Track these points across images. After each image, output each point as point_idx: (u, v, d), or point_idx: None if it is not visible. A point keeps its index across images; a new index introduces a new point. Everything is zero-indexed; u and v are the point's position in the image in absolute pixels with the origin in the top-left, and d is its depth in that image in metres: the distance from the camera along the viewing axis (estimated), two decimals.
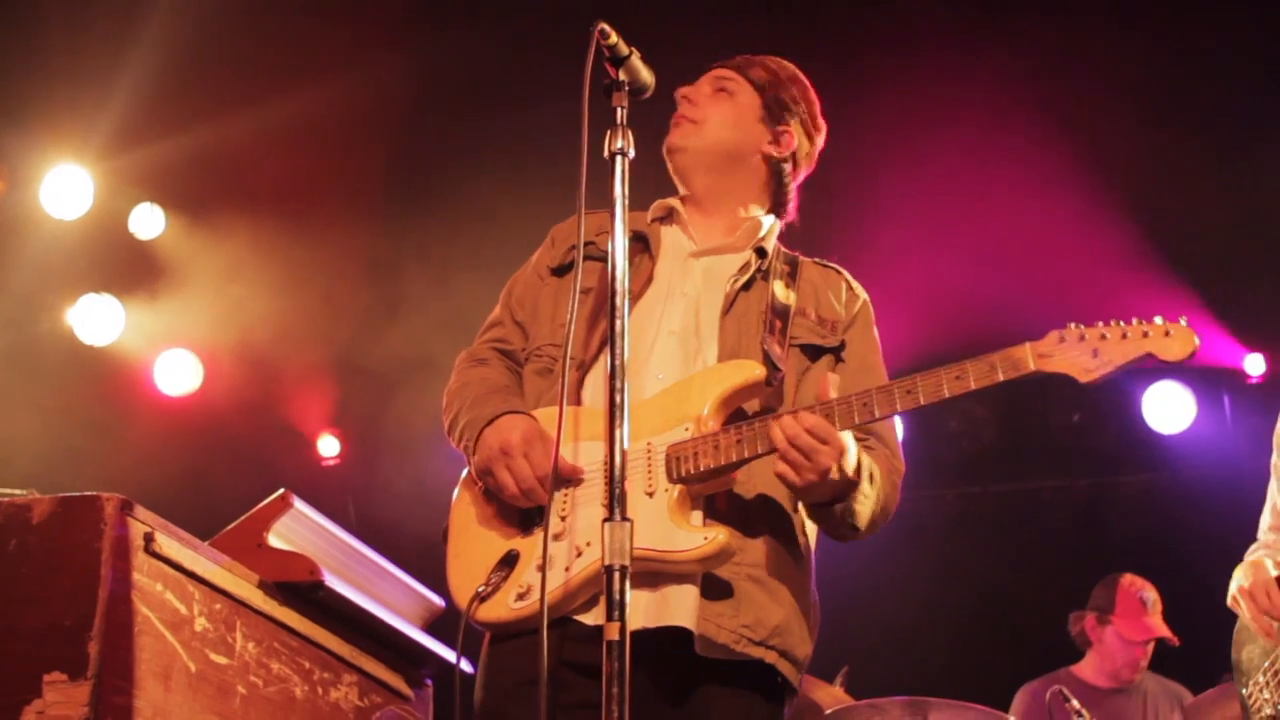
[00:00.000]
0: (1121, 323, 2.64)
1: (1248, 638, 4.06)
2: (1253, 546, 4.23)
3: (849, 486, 2.71)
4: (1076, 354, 2.63)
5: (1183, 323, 2.61)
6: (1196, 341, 2.60)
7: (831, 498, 2.73)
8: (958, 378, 2.66)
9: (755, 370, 2.83)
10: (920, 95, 6.57)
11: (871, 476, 2.76)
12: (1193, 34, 6.27)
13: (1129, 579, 6.08)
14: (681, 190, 3.22)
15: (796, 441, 2.63)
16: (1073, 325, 2.66)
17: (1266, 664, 3.94)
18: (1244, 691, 4.00)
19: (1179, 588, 6.03)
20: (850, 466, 2.70)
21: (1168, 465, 7.63)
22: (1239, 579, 4.02)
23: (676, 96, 3.22)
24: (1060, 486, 7.96)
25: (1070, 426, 7.85)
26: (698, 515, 2.77)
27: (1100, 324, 2.65)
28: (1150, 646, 5.96)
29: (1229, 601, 4.08)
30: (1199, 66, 6.32)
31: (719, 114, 3.15)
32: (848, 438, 2.69)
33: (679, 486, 2.73)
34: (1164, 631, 5.91)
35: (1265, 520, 4.26)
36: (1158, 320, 2.62)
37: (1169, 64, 6.37)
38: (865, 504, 2.76)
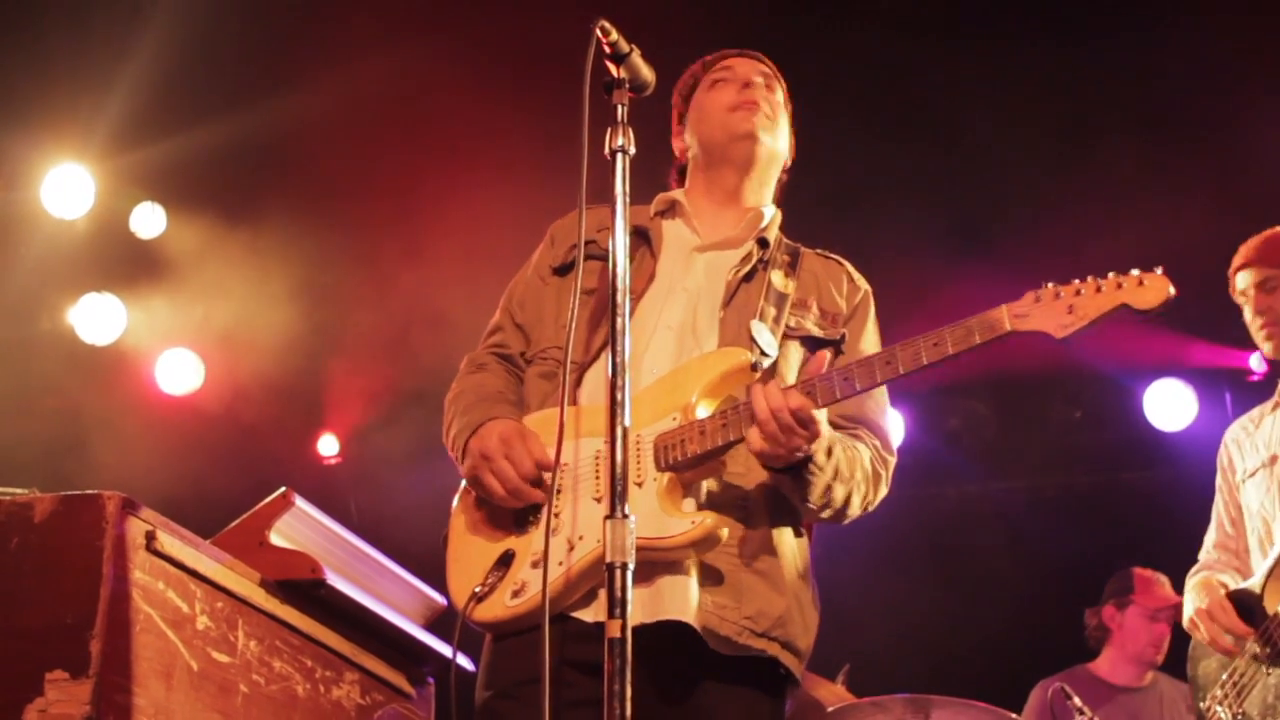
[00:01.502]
0: (1096, 278, 2.60)
1: (1204, 653, 4.10)
2: (1194, 568, 4.27)
3: (807, 460, 2.71)
4: (1052, 311, 2.59)
5: (1158, 271, 2.57)
6: (1170, 290, 2.54)
7: (786, 467, 2.72)
8: (935, 344, 2.64)
9: (741, 356, 2.83)
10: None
11: (829, 452, 2.75)
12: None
13: (1140, 567, 6.14)
14: (701, 177, 3.20)
15: (779, 417, 2.62)
16: (1049, 285, 2.62)
17: (1224, 677, 3.97)
18: (1201, 705, 4.04)
19: (1180, 584, 6.03)
20: (816, 448, 2.70)
21: (1169, 463, 7.61)
22: (1194, 601, 4.06)
23: (726, 74, 3.21)
24: (1061, 484, 7.95)
25: (1071, 424, 7.85)
26: (690, 503, 2.77)
27: (1076, 281, 2.62)
28: (1171, 624, 5.97)
29: (1186, 625, 4.11)
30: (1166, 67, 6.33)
31: (782, 117, 3.21)
32: (821, 420, 2.68)
33: (668, 475, 2.74)
34: (1182, 598, 5.93)
35: (1210, 537, 4.31)
36: (1133, 271, 2.58)
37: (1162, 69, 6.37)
38: (818, 477, 2.74)
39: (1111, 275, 2.59)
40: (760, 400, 2.64)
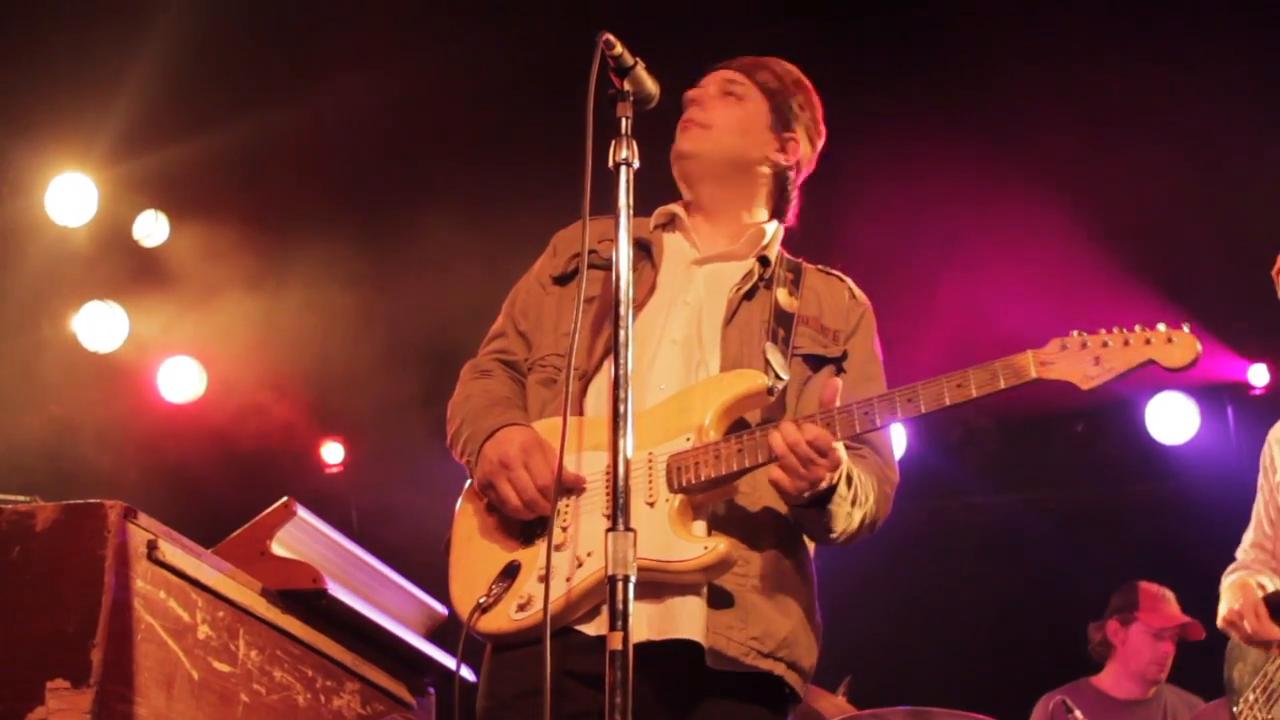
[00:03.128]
0: (1123, 330, 2.63)
1: (1238, 656, 4.09)
2: (1230, 567, 4.25)
3: (830, 492, 2.72)
4: (1078, 361, 2.63)
5: (1185, 329, 2.60)
6: (1198, 348, 2.59)
7: (811, 501, 2.73)
8: (959, 385, 2.66)
9: (757, 380, 2.83)
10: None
11: (849, 480, 2.75)
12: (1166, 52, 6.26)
13: (1147, 582, 6.11)
14: (686, 195, 3.21)
15: (797, 449, 2.63)
16: (1075, 333, 2.65)
17: (1255, 681, 3.96)
18: (1235, 709, 4.03)
19: (1183, 599, 6.03)
20: (838, 477, 2.70)
21: (1171, 476, 7.62)
22: (1228, 602, 4.05)
23: (685, 99, 3.22)
24: (1063, 497, 7.95)
25: (1073, 437, 7.85)
26: (700, 525, 2.76)
27: (1102, 331, 2.65)
28: (1175, 642, 5.95)
29: (1220, 624, 4.10)
30: (1177, 81, 6.30)
31: (728, 119, 3.14)
32: (839, 448, 2.69)
33: (680, 496, 2.73)
34: (1189, 619, 5.90)
35: (1248, 537, 4.29)
36: (1160, 327, 2.61)
37: (1159, 81, 6.35)
38: (841, 507, 2.75)
39: (1138, 329, 2.63)
40: (777, 436, 2.65)
